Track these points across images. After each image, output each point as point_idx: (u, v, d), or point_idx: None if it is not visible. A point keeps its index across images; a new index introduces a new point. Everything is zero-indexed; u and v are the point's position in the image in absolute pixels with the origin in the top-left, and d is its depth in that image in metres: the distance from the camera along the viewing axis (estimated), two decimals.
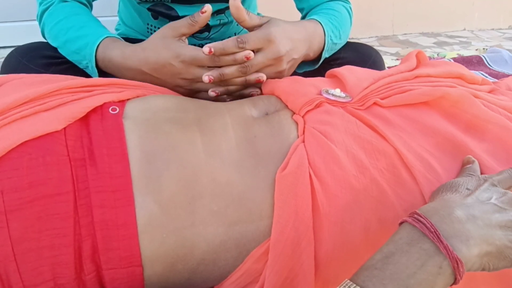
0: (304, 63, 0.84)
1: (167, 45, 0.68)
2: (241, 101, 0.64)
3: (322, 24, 0.79)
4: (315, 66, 0.83)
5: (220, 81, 0.69)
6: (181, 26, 0.68)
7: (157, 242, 0.48)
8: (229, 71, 0.67)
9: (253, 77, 0.69)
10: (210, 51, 0.66)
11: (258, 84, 0.71)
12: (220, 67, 0.68)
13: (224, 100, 0.74)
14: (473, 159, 0.53)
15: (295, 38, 0.72)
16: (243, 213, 0.51)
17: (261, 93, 0.71)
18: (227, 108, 0.60)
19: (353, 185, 0.52)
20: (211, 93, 0.70)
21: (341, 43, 0.86)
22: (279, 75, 0.72)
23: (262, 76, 0.69)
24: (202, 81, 0.69)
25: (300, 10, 0.96)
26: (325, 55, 0.82)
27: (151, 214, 0.49)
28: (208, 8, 0.66)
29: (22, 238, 0.45)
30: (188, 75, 0.69)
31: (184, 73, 0.69)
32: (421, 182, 0.53)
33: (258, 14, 1.11)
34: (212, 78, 0.67)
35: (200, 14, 0.66)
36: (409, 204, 0.52)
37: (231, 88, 0.71)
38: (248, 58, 0.67)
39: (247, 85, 0.71)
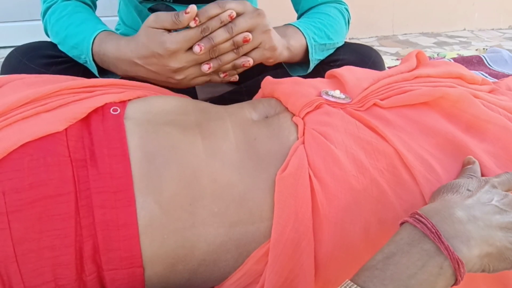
0: (297, 65, 0.84)
1: (150, 35, 0.68)
2: (241, 104, 0.64)
3: (299, 27, 0.80)
4: (307, 69, 0.84)
5: (211, 51, 0.69)
6: (165, 20, 0.68)
7: (157, 243, 0.49)
8: (217, 33, 0.68)
9: (240, 37, 0.69)
10: (195, 21, 0.66)
11: (246, 47, 0.71)
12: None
13: (220, 81, 0.74)
14: (473, 160, 0.53)
15: None
16: (244, 214, 0.51)
17: (259, 90, 0.71)
18: (227, 112, 0.60)
19: (353, 185, 0.52)
20: (204, 66, 0.70)
21: (333, 43, 0.86)
22: (267, 37, 0.71)
23: (248, 35, 0.70)
24: (192, 66, 0.70)
25: (296, 11, 0.97)
26: (315, 56, 0.83)
27: (152, 214, 0.49)
28: (192, 9, 0.66)
29: (23, 239, 0.45)
30: (177, 63, 0.69)
31: (172, 61, 0.69)
32: (421, 183, 0.52)
33: None
34: (202, 45, 0.68)
35: (184, 14, 0.66)
36: (409, 205, 0.52)
37: (223, 58, 0.71)
38: (231, 17, 0.68)
39: (236, 49, 0.71)
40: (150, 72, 0.70)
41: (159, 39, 0.67)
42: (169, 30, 0.68)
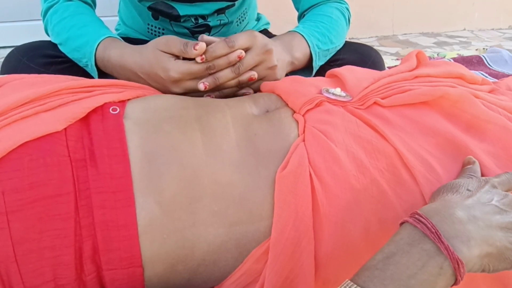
0: (299, 71, 0.84)
1: (157, 57, 0.68)
2: (242, 98, 0.64)
3: (304, 35, 0.80)
4: (310, 75, 0.84)
5: (215, 86, 0.69)
6: (174, 47, 0.67)
7: (157, 243, 0.48)
8: (223, 74, 0.68)
9: (245, 76, 0.69)
10: (202, 58, 0.66)
11: (250, 83, 0.71)
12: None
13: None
14: (473, 160, 0.53)
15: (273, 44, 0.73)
16: (244, 214, 0.51)
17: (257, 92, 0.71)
18: (228, 105, 0.60)
19: (353, 185, 0.51)
20: (207, 97, 0.70)
21: (336, 46, 0.86)
22: (272, 72, 0.71)
23: (254, 74, 0.70)
24: (194, 92, 0.69)
25: (297, 9, 0.97)
26: (318, 62, 0.83)
27: (152, 214, 0.49)
28: (201, 46, 0.65)
29: (23, 239, 0.45)
30: (179, 89, 0.69)
31: (174, 87, 0.69)
32: (421, 183, 0.52)
33: (258, 14, 1.11)
34: (207, 84, 0.67)
35: (193, 49, 0.66)
36: (409, 205, 0.52)
37: (226, 91, 0.71)
38: (240, 57, 0.67)
39: (240, 86, 0.71)
40: (152, 85, 0.70)
41: (164, 64, 0.67)
42: (177, 56, 0.68)
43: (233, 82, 0.69)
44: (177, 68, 0.67)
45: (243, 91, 0.72)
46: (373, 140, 0.55)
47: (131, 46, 0.74)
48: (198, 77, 0.68)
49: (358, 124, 0.56)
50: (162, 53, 0.68)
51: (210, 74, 0.68)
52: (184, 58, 0.68)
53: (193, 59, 0.67)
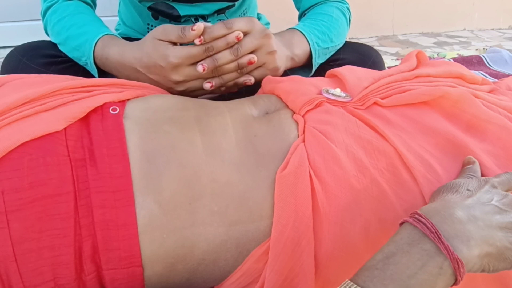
0: (298, 69, 0.84)
1: (155, 46, 0.68)
2: (241, 100, 0.64)
3: (304, 32, 0.80)
4: (309, 73, 0.84)
5: (214, 70, 0.69)
6: (171, 33, 0.67)
7: (157, 242, 0.48)
8: (222, 55, 0.68)
9: (245, 59, 0.69)
10: (200, 40, 0.66)
11: (250, 67, 0.71)
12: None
13: (220, 93, 0.74)
14: (473, 160, 0.53)
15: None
16: (244, 213, 0.51)
17: (259, 89, 0.71)
18: (227, 107, 0.60)
19: (353, 185, 0.51)
20: (206, 84, 0.70)
21: (335, 45, 0.86)
22: (271, 58, 0.71)
23: (254, 57, 0.69)
24: (194, 80, 0.70)
25: (297, 9, 0.97)
26: (318, 60, 0.83)
27: (152, 214, 0.49)
28: (198, 27, 0.65)
29: (23, 239, 0.45)
30: (179, 76, 0.69)
31: (174, 74, 0.68)
32: (421, 183, 0.52)
33: (258, 14, 1.11)
34: (206, 65, 0.68)
35: (190, 31, 0.66)
36: (409, 205, 0.52)
37: (226, 77, 0.71)
38: (238, 39, 0.67)
39: (240, 70, 0.71)
40: (152, 81, 0.71)
41: (163, 52, 0.67)
42: (174, 43, 0.68)
43: (232, 65, 0.69)
44: (176, 53, 0.67)
45: (243, 78, 0.72)
46: (373, 140, 0.55)
47: (130, 43, 0.75)
48: (198, 62, 0.68)
49: (358, 124, 0.56)
50: (160, 42, 0.68)
51: (208, 57, 0.68)
52: (182, 45, 0.68)
53: (192, 44, 0.67)
